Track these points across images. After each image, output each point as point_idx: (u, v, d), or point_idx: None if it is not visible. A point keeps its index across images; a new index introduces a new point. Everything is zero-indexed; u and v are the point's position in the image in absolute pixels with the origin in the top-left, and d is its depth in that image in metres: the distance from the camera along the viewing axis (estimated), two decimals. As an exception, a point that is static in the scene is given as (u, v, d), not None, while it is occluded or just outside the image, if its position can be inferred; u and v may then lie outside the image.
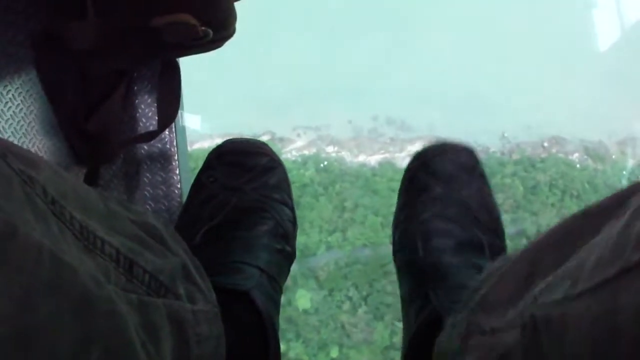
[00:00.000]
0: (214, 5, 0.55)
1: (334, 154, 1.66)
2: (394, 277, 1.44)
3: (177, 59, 0.67)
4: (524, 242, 1.49)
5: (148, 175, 0.71)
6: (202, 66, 1.48)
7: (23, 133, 0.60)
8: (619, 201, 0.31)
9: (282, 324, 1.47)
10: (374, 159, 1.64)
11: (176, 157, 0.72)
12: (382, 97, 1.66)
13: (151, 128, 0.71)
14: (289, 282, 1.51)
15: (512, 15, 1.75)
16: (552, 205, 1.57)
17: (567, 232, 0.37)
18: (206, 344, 0.44)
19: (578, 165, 1.66)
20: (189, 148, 1.47)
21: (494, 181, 1.43)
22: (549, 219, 1.54)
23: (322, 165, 1.64)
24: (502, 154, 1.56)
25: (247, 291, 0.56)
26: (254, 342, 0.57)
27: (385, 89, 1.66)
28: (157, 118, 0.67)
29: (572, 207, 1.57)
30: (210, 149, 0.68)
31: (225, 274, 0.57)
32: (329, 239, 1.57)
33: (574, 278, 0.29)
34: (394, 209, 0.73)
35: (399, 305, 0.69)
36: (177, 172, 0.72)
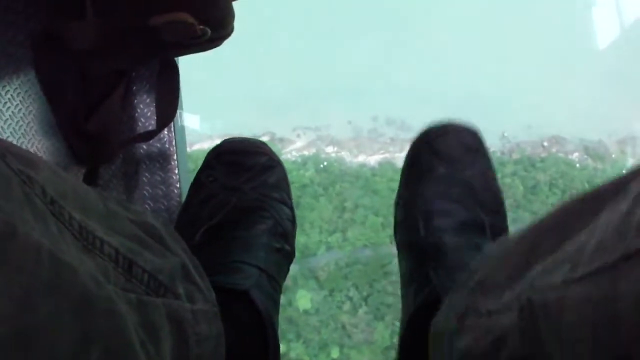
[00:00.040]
0: (211, 4, 0.55)
1: (333, 155, 1.66)
2: (395, 277, 1.45)
3: (175, 59, 0.67)
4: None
5: (147, 174, 0.71)
6: (202, 66, 1.48)
7: (22, 133, 0.60)
8: (618, 186, 0.31)
9: (283, 324, 1.47)
10: (373, 159, 1.64)
11: (175, 157, 0.72)
12: (382, 97, 1.66)
13: (150, 128, 0.71)
14: (289, 282, 1.52)
15: (512, 15, 1.75)
16: (552, 204, 1.56)
17: (565, 216, 0.36)
18: (206, 343, 0.44)
19: (578, 165, 1.66)
20: (189, 149, 1.47)
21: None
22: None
23: (322, 165, 1.64)
24: (502, 153, 1.56)
25: (247, 290, 0.56)
26: (254, 342, 0.57)
27: (385, 89, 1.66)
28: (155, 118, 0.67)
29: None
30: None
31: (225, 273, 0.57)
32: (329, 239, 1.57)
33: (573, 262, 0.29)
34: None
35: (399, 306, 0.69)
36: (176, 171, 0.72)
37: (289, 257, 0.66)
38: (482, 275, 0.45)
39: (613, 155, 1.67)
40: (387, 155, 1.63)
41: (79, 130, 0.64)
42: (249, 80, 1.65)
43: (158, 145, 0.72)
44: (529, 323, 0.32)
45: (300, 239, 1.55)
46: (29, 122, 0.61)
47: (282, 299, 1.54)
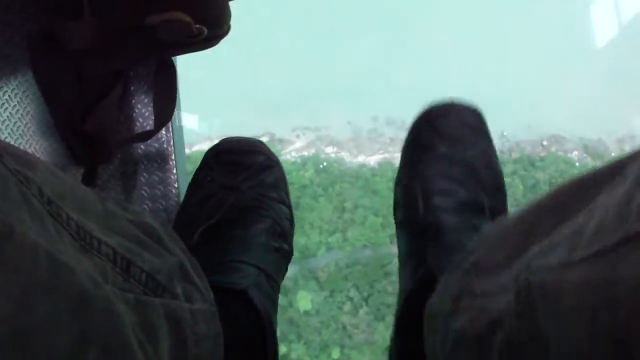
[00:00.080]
0: (207, 3, 0.55)
1: (333, 155, 1.66)
2: (395, 277, 1.44)
3: (173, 59, 0.67)
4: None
5: (145, 175, 0.71)
6: (201, 67, 1.48)
7: (20, 134, 0.60)
8: (615, 169, 0.30)
9: (284, 325, 1.47)
10: (373, 159, 1.64)
11: (173, 157, 0.72)
12: (381, 97, 1.66)
13: (148, 128, 0.71)
14: (289, 283, 1.52)
15: (511, 15, 1.75)
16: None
17: (563, 197, 0.36)
18: (204, 343, 0.44)
19: (577, 164, 1.66)
20: (188, 150, 1.47)
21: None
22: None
23: (321, 166, 1.64)
24: (502, 152, 1.56)
25: (245, 290, 0.56)
26: (252, 341, 0.56)
27: (385, 89, 1.66)
28: (153, 118, 0.67)
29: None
30: (209, 150, 0.68)
31: (223, 272, 0.57)
32: (329, 240, 1.57)
33: (571, 244, 0.28)
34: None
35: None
36: (175, 171, 0.72)
37: (287, 256, 0.66)
38: (478, 256, 0.45)
39: (612, 154, 1.67)
40: (386, 155, 1.63)
41: (76, 130, 0.64)
42: (248, 80, 1.65)
43: (156, 145, 0.72)
44: (525, 305, 0.32)
45: (300, 240, 1.55)
46: (26, 123, 0.61)
47: (283, 300, 1.53)
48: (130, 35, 0.58)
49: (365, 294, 1.53)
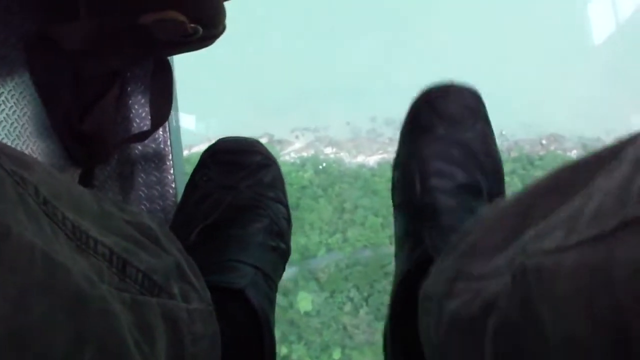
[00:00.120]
0: (202, 2, 0.56)
1: (332, 155, 1.66)
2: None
3: (171, 60, 0.68)
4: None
5: (143, 175, 0.71)
6: (200, 68, 1.48)
7: (17, 135, 0.60)
8: (614, 152, 0.30)
9: (284, 326, 1.47)
10: (372, 160, 1.64)
11: (170, 157, 0.72)
12: (380, 97, 1.66)
13: (145, 128, 0.71)
14: (290, 284, 1.52)
15: (510, 14, 1.75)
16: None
17: (560, 180, 0.36)
18: (201, 342, 0.44)
19: (577, 162, 1.66)
20: (187, 152, 1.47)
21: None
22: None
23: (320, 166, 1.64)
24: (501, 151, 1.56)
25: (242, 289, 0.56)
26: (249, 340, 0.56)
27: (384, 89, 1.66)
28: (150, 118, 0.67)
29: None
30: (207, 151, 0.68)
31: (220, 272, 0.57)
32: (329, 240, 1.57)
33: (568, 228, 0.28)
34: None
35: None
36: (172, 171, 0.72)
37: (285, 255, 0.66)
38: (474, 239, 0.44)
39: (612, 152, 1.67)
40: (385, 155, 1.63)
41: (73, 131, 0.64)
42: (247, 81, 1.65)
43: (153, 145, 0.72)
44: (521, 289, 0.31)
45: (300, 241, 1.55)
46: (23, 124, 0.61)
47: (283, 301, 1.53)
48: (127, 35, 0.58)
49: (366, 294, 1.53)
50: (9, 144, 0.58)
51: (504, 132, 1.65)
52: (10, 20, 0.60)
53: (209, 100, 1.62)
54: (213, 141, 0.68)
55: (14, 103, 0.60)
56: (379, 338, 1.48)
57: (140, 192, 0.71)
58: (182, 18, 0.53)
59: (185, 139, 1.14)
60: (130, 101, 0.72)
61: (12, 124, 0.59)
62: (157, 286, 0.40)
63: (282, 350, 1.46)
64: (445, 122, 0.66)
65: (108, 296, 0.32)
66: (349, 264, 1.55)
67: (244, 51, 1.62)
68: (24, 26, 0.61)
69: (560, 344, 0.27)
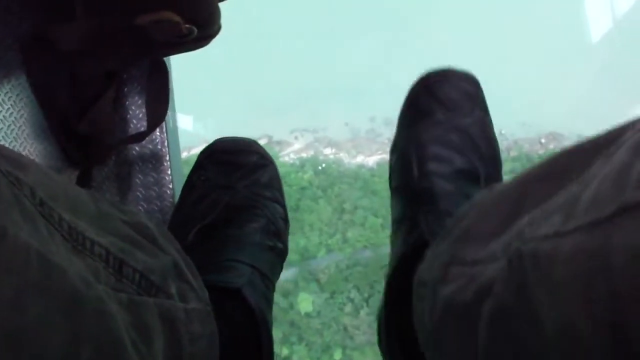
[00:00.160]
0: (196, 3, 0.56)
1: (331, 156, 1.66)
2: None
3: (167, 60, 0.68)
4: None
5: (140, 176, 0.71)
6: (199, 68, 1.49)
7: (14, 137, 0.60)
8: (611, 138, 0.30)
9: (285, 327, 1.47)
10: (372, 160, 1.64)
11: (167, 158, 0.72)
12: (379, 97, 1.66)
13: (142, 129, 0.71)
14: (290, 286, 1.52)
15: (509, 14, 1.75)
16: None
17: (556, 166, 0.36)
18: (199, 342, 0.44)
19: (576, 161, 1.66)
20: (187, 153, 1.47)
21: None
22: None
23: (320, 167, 1.64)
24: (500, 151, 1.56)
25: (239, 288, 0.56)
26: (247, 339, 0.56)
27: (383, 90, 1.66)
28: (146, 118, 0.67)
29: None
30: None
31: (218, 272, 0.57)
32: (329, 241, 1.57)
33: (566, 214, 0.28)
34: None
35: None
36: (169, 172, 0.72)
37: (282, 255, 0.66)
38: (469, 223, 0.44)
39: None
40: (385, 155, 1.62)
41: (70, 132, 0.64)
42: (246, 82, 1.65)
43: (150, 146, 0.72)
44: (516, 274, 0.31)
45: (300, 242, 1.55)
46: (20, 126, 0.61)
47: (284, 303, 1.53)
48: (123, 36, 0.58)
49: (366, 294, 1.53)
50: (6, 146, 0.58)
51: (503, 132, 1.65)
52: (6, 22, 0.60)
53: (207, 101, 1.62)
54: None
55: (11, 105, 0.60)
56: (379, 338, 1.48)
57: (138, 193, 0.71)
58: (177, 19, 0.53)
59: (184, 141, 1.14)
60: (127, 102, 0.72)
61: (9, 126, 0.59)
62: (155, 286, 0.40)
63: (283, 351, 1.46)
64: (443, 107, 0.66)
65: (104, 296, 0.32)
66: (349, 264, 1.55)
67: (242, 52, 1.62)
68: (20, 27, 0.61)
69: (556, 329, 0.27)
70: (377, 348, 1.36)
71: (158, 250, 0.43)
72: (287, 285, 1.53)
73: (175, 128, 0.80)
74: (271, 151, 1.64)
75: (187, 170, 0.72)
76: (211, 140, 0.69)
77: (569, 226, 0.27)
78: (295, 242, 1.54)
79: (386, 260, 1.58)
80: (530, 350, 0.30)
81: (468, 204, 0.49)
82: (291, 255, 1.53)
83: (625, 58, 1.72)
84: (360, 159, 1.65)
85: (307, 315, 1.51)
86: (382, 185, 1.58)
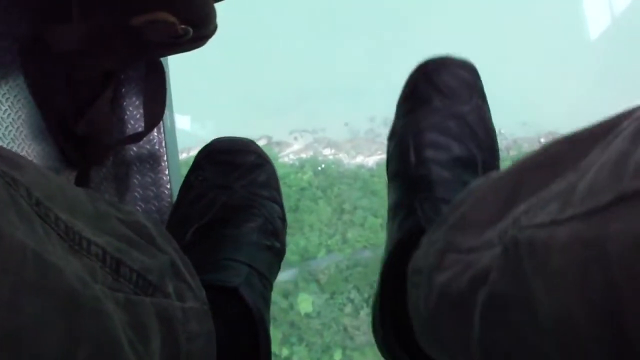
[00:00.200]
0: (191, 3, 0.56)
1: (331, 157, 1.66)
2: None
3: (164, 60, 0.68)
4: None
5: (138, 176, 0.72)
6: (198, 70, 1.49)
7: (11, 138, 0.60)
8: (609, 126, 0.30)
9: (285, 328, 1.47)
10: (371, 160, 1.64)
11: (165, 158, 0.73)
12: (378, 97, 1.66)
13: (140, 130, 0.71)
14: (290, 286, 1.52)
15: (509, 15, 1.75)
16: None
17: (553, 154, 0.35)
18: (196, 341, 0.44)
19: (574, 160, 1.66)
20: (186, 154, 1.47)
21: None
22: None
23: (319, 168, 1.64)
24: (499, 150, 1.56)
25: (236, 287, 0.56)
26: (244, 338, 0.56)
27: (382, 90, 1.65)
28: (143, 119, 0.68)
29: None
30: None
31: (215, 271, 0.57)
32: (329, 242, 1.57)
33: (562, 202, 0.28)
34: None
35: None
36: (167, 172, 0.72)
37: (280, 254, 0.66)
38: (465, 211, 0.44)
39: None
40: (384, 155, 1.62)
41: (68, 133, 0.64)
42: (245, 83, 1.65)
43: (148, 147, 0.72)
44: (512, 262, 0.31)
45: (300, 242, 1.55)
46: (18, 127, 0.61)
47: (284, 303, 1.53)
48: (119, 37, 0.58)
49: (366, 295, 1.53)
50: (5, 146, 0.58)
51: (502, 131, 1.65)
52: (4, 23, 0.60)
53: (207, 102, 1.62)
54: (211, 143, 0.68)
55: (9, 106, 0.60)
56: (379, 339, 1.48)
57: (136, 193, 0.71)
58: (172, 19, 0.53)
59: (184, 142, 1.14)
60: (124, 103, 0.72)
61: (6, 127, 0.59)
62: (152, 285, 0.40)
63: (283, 351, 1.46)
64: (442, 95, 0.66)
65: (101, 296, 0.32)
66: (349, 265, 1.55)
67: (242, 52, 1.62)
68: (18, 29, 0.61)
69: (552, 318, 0.27)
70: (377, 349, 1.36)
71: (155, 249, 0.43)
72: (287, 285, 1.52)
73: (173, 128, 0.80)
74: (271, 152, 1.64)
75: (186, 171, 0.72)
76: (210, 141, 0.69)
77: (566, 214, 0.27)
78: (295, 242, 1.54)
79: (386, 260, 1.57)
80: (526, 338, 0.30)
81: (465, 191, 0.48)
82: (291, 256, 1.53)
83: (624, 56, 1.72)
84: (359, 159, 1.65)
85: (307, 315, 1.51)
86: (382, 186, 1.58)
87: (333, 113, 1.69)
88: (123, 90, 0.72)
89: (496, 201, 0.39)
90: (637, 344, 0.22)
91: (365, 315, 1.51)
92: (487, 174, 0.53)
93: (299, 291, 1.53)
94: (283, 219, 0.68)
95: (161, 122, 0.70)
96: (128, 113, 0.72)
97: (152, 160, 0.72)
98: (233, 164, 0.66)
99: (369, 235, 1.56)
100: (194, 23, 0.56)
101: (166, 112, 0.68)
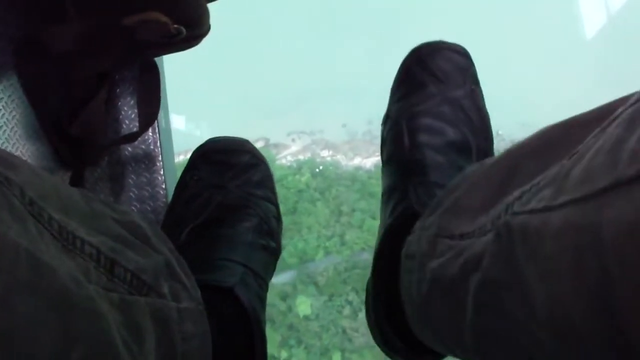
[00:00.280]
0: (184, 3, 0.56)
1: (329, 158, 1.66)
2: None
3: (157, 60, 0.68)
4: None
5: (133, 177, 0.71)
6: (196, 71, 1.49)
7: (6, 138, 0.60)
8: (603, 113, 0.30)
9: (284, 330, 1.47)
10: (369, 162, 1.64)
11: (160, 158, 0.72)
12: (376, 99, 1.66)
13: (135, 130, 0.71)
14: (288, 288, 1.51)
15: (509, 15, 1.75)
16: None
17: (547, 140, 0.35)
18: (191, 341, 0.44)
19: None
20: (184, 157, 1.47)
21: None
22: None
23: (317, 169, 1.64)
24: (497, 151, 1.56)
25: (232, 287, 0.56)
26: (240, 338, 0.56)
27: (380, 91, 1.65)
28: (138, 119, 0.68)
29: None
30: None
31: (210, 271, 0.57)
32: (327, 244, 1.57)
33: (557, 188, 0.28)
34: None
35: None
36: (162, 172, 0.72)
37: (275, 254, 0.66)
38: (459, 196, 0.44)
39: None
40: (382, 157, 1.63)
41: (63, 133, 0.64)
42: (243, 85, 1.65)
43: (143, 147, 0.72)
44: (505, 248, 0.31)
45: (298, 245, 1.55)
46: (12, 127, 0.61)
47: (282, 306, 1.53)
48: (114, 36, 0.58)
49: (365, 299, 1.53)
50: (-2, 147, 0.58)
51: (500, 132, 1.65)
52: (-2, 24, 0.61)
53: (204, 104, 1.62)
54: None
55: (3, 106, 0.60)
56: (378, 341, 1.47)
57: (131, 194, 0.71)
58: (164, 19, 0.53)
59: (182, 143, 1.14)
60: (119, 103, 0.72)
61: (1, 127, 0.59)
62: (146, 286, 0.39)
63: (282, 354, 1.46)
64: (435, 79, 0.66)
65: (95, 296, 0.32)
66: (347, 267, 1.55)
67: (240, 53, 1.62)
68: (12, 29, 0.61)
69: (546, 304, 0.27)
70: (376, 351, 1.35)
71: (150, 249, 0.43)
72: (286, 288, 1.52)
73: (169, 128, 0.80)
74: (268, 154, 1.64)
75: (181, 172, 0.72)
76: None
77: (559, 200, 0.27)
78: (293, 245, 1.54)
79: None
80: (519, 324, 0.30)
81: (459, 176, 0.49)
82: (289, 258, 1.53)
83: (620, 55, 1.72)
84: (357, 161, 1.65)
85: (306, 318, 1.51)
86: (380, 188, 1.58)
87: (331, 115, 1.69)
88: (118, 90, 0.72)
89: (490, 187, 0.39)
90: (630, 330, 0.22)
91: (364, 317, 1.51)
92: (481, 161, 0.53)
93: (298, 294, 1.53)
94: (278, 219, 0.68)
95: (156, 122, 0.70)
96: (123, 113, 0.72)
97: (147, 161, 0.72)
98: (228, 163, 0.66)
99: (367, 237, 1.56)
100: (187, 23, 0.56)
101: (161, 112, 0.68)
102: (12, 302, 0.25)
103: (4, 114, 0.60)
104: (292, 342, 1.48)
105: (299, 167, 1.63)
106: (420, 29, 1.70)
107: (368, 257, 1.56)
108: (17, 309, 0.25)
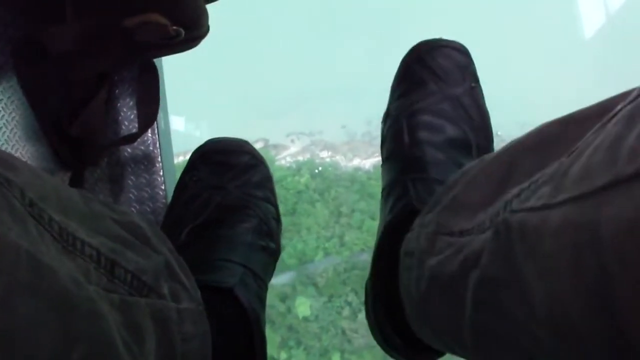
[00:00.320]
0: (181, 4, 0.56)
1: (328, 159, 1.66)
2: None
3: (156, 61, 0.68)
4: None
5: (132, 178, 0.72)
6: (195, 72, 1.49)
7: (5, 139, 0.60)
8: (603, 109, 0.29)
9: (283, 331, 1.46)
10: (368, 163, 1.64)
11: (159, 159, 0.73)
12: (376, 99, 1.66)
13: (134, 131, 0.72)
14: (288, 289, 1.51)
15: (509, 15, 1.75)
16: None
17: (546, 137, 0.35)
18: (191, 342, 0.44)
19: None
20: (183, 158, 1.47)
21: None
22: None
23: (316, 170, 1.64)
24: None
25: (231, 288, 0.56)
26: (239, 339, 0.56)
27: (379, 92, 1.66)
28: (137, 120, 0.68)
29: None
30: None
31: (210, 272, 0.57)
32: (327, 245, 1.57)
33: (555, 185, 0.27)
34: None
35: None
36: (161, 174, 0.72)
37: (275, 255, 0.66)
38: (458, 193, 0.44)
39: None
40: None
41: (62, 134, 0.64)
42: (242, 85, 1.65)
43: (142, 148, 0.72)
44: (504, 246, 0.31)
45: (297, 246, 1.55)
46: (12, 129, 0.61)
47: (282, 307, 1.53)
48: (113, 37, 0.58)
49: (364, 298, 1.53)
50: (-2, 148, 0.58)
51: (499, 133, 1.65)
52: (-2, 25, 0.61)
53: (203, 105, 1.62)
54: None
55: (2, 107, 0.60)
56: (378, 342, 1.47)
57: (130, 195, 0.71)
58: (163, 21, 0.53)
59: (181, 144, 1.14)
60: (118, 104, 0.72)
61: (0, 128, 0.59)
62: (147, 286, 0.40)
63: (281, 355, 1.46)
64: (435, 77, 0.66)
65: (95, 297, 0.32)
66: (347, 268, 1.55)
67: (239, 54, 1.62)
68: (11, 30, 0.61)
69: (544, 302, 0.27)
70: (375, 352, 1.35)
71: (150, 250, 0.43)
72: (285, 289, 1.52)
73: (168, 129, 0.80)
74: (267, 155, 1.64)
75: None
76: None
77: (558, 198, 0.26)
78: (292, 246, 1.54)
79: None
80: (517, 322, 0.30)
81: (458, 173, 0.49)
82: (289, 259, 1.53)
83: (619, 55, 1.72)
84: (356, 162, 1.65)
85: (305, 319, 1.50)
86: (379, 188, 1.57)
87: (330, 115, 1.69)
88: (117, 91, 0.72)
89: (489, 184, 0.39)
90: (629, 328, 0.22)
91: (363, 318, 1.51)
92: (481, 157, 0.53)
93: (297, 294, 1.53)
94: (277, 220, 0.68)
95: (155, 123, 0.70)
96: (122, 114, 0.72)
97: (147, 162, 0.72)
98: (227, 164, 0.66)
99: (367, 238, 1.56)
100: (186, 25, 0.56)
101: (160, 113, 0.68)
102: (12, 303, 0.25)
103: (3, 116, 0.60)
104: (292, 343, 1.48)
105: (298, 168, 1.63)
106: (420, 29, 1.70)
107: (367, 258, 1.56)
108: (18, 310, 0.25)
